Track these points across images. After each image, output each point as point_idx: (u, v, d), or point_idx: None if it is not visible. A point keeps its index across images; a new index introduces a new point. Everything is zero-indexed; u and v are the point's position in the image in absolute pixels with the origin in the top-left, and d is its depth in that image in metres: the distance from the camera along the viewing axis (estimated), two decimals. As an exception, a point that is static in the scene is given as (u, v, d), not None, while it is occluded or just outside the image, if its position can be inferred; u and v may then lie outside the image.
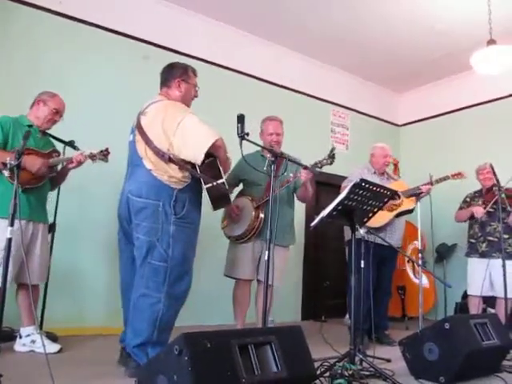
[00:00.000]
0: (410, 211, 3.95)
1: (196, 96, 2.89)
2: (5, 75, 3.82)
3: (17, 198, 2.06)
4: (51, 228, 3.37)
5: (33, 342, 3.01)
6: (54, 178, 3.25)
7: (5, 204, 2.82)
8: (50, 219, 3.39)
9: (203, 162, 2.53)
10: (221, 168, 2.63)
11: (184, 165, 2.55)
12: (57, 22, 4.12)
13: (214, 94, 4.76)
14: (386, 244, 3.48)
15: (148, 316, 2.46)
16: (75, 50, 4.19)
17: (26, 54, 3.95)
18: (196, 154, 2.48)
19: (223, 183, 2.59)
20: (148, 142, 2.56)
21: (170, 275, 2.50)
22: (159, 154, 2.52)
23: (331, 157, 2.94)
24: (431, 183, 3.86)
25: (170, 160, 2.52)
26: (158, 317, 2.46)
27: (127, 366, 2.53)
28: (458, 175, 3.98)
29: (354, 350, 2.57)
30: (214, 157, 2.60)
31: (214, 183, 2.54)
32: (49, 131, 3.25)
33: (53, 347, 2.97)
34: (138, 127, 2.64)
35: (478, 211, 4.27)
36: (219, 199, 2.67)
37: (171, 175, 2.54)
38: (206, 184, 2.56)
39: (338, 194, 2.68)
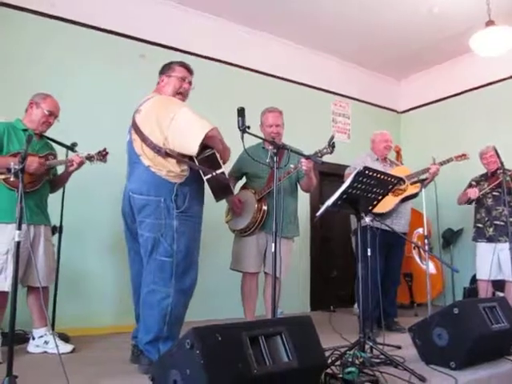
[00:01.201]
0: (415, 195, 3.94)
1: (185, 87, 2.82)
2: None
3: (22, 202, 2.07)
4: (55, 230, 3.37)
5: (46, 342, 3.03)
6: (54, 181, 3.25)
7: (3, 210, 2.86)
8: (55, 222, 3.41)
9: (201, 154, 2.54)
10: (219, 159, 2.62)
11: (182, 158, 2.55)
12: (51, 25, 4.11)
13: (213, 89, 4.76)
14: (387, 230, 3.48)
15: (157, 311, 2.48)
16: (71, 52, 4.18)
17: (21, 58, 3.94)
18: (191, 147, 2.48)
19: (223, 173, 2.58)
20: (144, 138, 2.57)
21: (176, 269, 2.51)
22: (156, 149, 2.52)
23: (331, 145, 2.94)
24: (434, 164, 3.85)
25: (168, 154, 2.52)
26: (168, 312, 2.48)
27: (140, 362, 2.55)
28: (462, 157, 3.97)
29: (363, 338, 2.58)
30: (211, 149, 2.60)
31: (214, 173, 2.53)
32: (47, 134, 3.22)
33: (66, 347, 2.99)
34: (134, 125, 2.66)
35: (472, 192, 4.26)
36: (220, 190, 2.67)
37: (170, 170, 2.54)
38: (205, 175, 2.56)
39: (342, 182, 2.68)
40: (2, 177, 2.86)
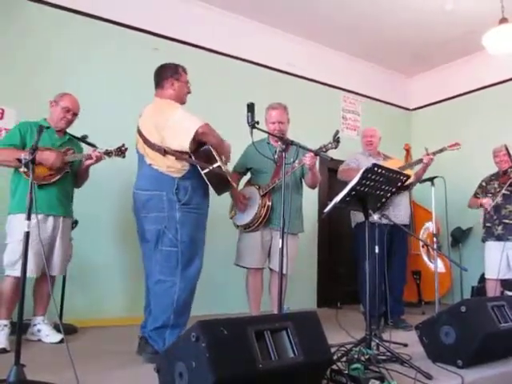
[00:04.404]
0: (406, 187, 3.90)
1: (189, 92, 2.96)
2: (10, 71, 3.83)
3: (32, 193, 2.09)
4: (75, 224, 3.44)
5: (39, 331, 3.12)
6: (77, 175, 3.34)
7: (24, 200, 2.90)
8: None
9: (197, 150, 2.64)
10: (215, 154, 2.70)
11: (180, 155, 2.65)
12: (63, 16, 4.12)
13: (223, 83, 4.77)
14: (392, 224, 3.47)
15: (164, 300, 2.56)
16: (82, 44, 4.19)
17: (32, 49, 3.96)
18: (183, 143, 2.59)
19: (219, 167, 2.67)
20: (145, 139, 2.72)
21: (181, 259, 2.61)
22: (155, 148, 2.67)
23: (336, 140, 2.94)
24: (427, 154, 3.83)
25: (166, 152, 2.64)
26: (174, 300, 2.56)
27: (144, 351, 2.61)
28: (455, 145, 3.91)
29: (369, 335, 2.58)
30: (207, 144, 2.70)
31: (210, 167, 2.64)
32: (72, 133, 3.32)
33: (55, 337, 3.07)
34: (138, 128, 2.81)
35: (487, 203, 4.24)
36: (219, 183, 2.75)
37: (169, 166, 2.65)
38: (202, 170, 2.64)
39: (335, 178, 2.67)
40: (23, 169, 2.92)
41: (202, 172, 2.64)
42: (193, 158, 2.66)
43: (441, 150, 3.87)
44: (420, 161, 3.84)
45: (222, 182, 2.76)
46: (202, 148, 2.69)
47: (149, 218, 2.67)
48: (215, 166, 2.66)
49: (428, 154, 3.82)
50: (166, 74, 2.88)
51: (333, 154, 3.03)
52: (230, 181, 2.80)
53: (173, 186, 2.63)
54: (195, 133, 2.56)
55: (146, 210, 2.69)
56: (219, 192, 2.83)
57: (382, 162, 3.83)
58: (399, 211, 3.91)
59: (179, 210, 2.62)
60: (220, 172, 2.69)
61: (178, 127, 2.62)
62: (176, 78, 2.87)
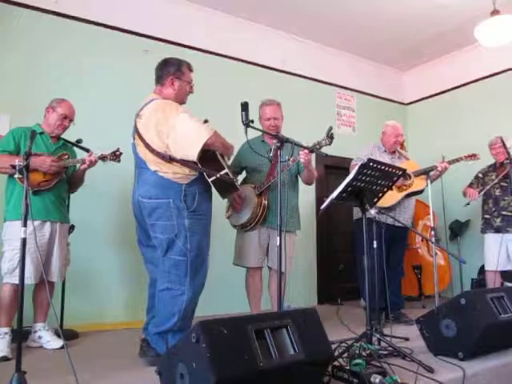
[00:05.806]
0: (420, 192, 3.91)
1: (191, 92, 2.86)
2: (2, 78, 3.83)
3: (27, 199, 2.08)
4: (71, 229, 3.43)
5: (40, 337, 3.11)
6: (71, 180, 3.34)
7: (20, 207, 2.90)
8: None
9: (204, 156, 2.56)
10: (221, 159, 2.66)
11: (185, 162, 2.57)
12: (53, 21, 4.11)
13: (216, 83, 4.75)
14: (396, 224, 3.46)
15: (171, 308, 2.53)
16: (74, 49, 4.18)
17: (23, 55, 3.94)
18: (190, 155, 2.52)
19: (226, 173, 2.62)
20: (146, 145, 2.61)
21: (190, 268, 2.56)
22: (159, 155, 2.57)
23: (329, 136, 2.91)
24: (443, 162, 3.80)
25: (171, 159, 2.56)
26: (182, 308, 2.53)
27: (146, 354, 2.60)
28: (472, 157, 3.87)
29: (370, 330, 2.58)
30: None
31: (218, 175, 2.59)
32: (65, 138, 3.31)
33: (56, 343, 3.06)
34: (136, 131, 2.68)
35: (472, 194, 4.26)
36: (225, 188, 2.73)
37: (176, 172, 2.58)
38: (209, 178, 2.60)
39: (348, 174, 2.67)
40: (18, 176, 2.91)
41: (209, 180, 2.60)
42: (199, 164, 2.58)
43: (457, 160, 3.84)
44: (434, 167, 3.79)
45: (227, 186, 2.74)
46: (209, 153, 2.61)
47: (157, 226, 2.59)
48: (222, 173, 2.60)
49: (443, 162, 3.78)
50: (168, 71, 2.74)
51: (328, 150, 3.02)
52: (237, 185, 2.78)
53: (180, 192, 2.56)
54: (203, 145, 2.49)
55: (153, 218, 2.60)
56: (224, 196, 2.82)
57: (396, 162, 3.79)
58: (404, 213, 3.90)
59: (188, 217, 2.56)
60: (228, 179, 2.64)
61: (184, 135, 2.51)
62: (177, 76, 2.74)
